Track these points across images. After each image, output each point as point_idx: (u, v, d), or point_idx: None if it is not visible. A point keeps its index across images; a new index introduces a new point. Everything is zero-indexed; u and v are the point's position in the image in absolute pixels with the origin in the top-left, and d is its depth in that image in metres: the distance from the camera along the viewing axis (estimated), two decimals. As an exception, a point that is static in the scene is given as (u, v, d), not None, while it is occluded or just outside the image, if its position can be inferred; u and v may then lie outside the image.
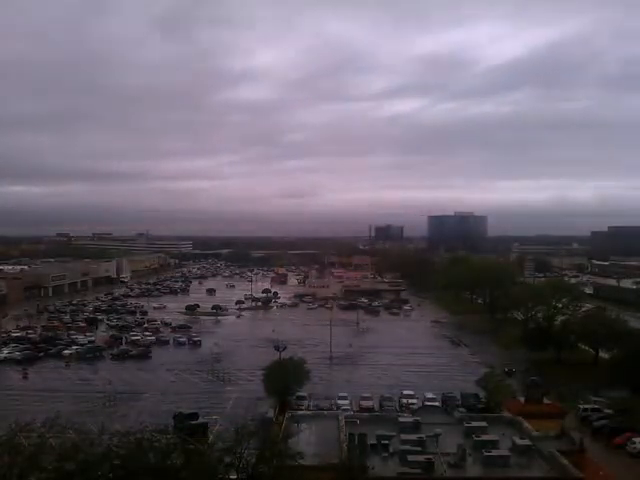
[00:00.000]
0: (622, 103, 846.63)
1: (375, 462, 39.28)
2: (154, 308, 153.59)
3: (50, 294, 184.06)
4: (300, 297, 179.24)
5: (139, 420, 46.88)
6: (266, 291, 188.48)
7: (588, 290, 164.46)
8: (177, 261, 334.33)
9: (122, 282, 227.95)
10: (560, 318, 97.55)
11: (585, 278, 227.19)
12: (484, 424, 46.17)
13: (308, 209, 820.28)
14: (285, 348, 74.46)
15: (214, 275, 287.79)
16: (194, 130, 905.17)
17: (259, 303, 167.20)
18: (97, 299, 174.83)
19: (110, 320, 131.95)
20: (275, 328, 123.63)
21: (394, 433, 43.73)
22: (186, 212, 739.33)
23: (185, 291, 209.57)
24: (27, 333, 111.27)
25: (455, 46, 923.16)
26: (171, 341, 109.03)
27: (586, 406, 63.91)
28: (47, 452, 32.27)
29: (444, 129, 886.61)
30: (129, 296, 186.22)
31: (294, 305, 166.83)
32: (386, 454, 40.67)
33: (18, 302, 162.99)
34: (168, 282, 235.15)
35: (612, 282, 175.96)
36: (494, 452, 40.14)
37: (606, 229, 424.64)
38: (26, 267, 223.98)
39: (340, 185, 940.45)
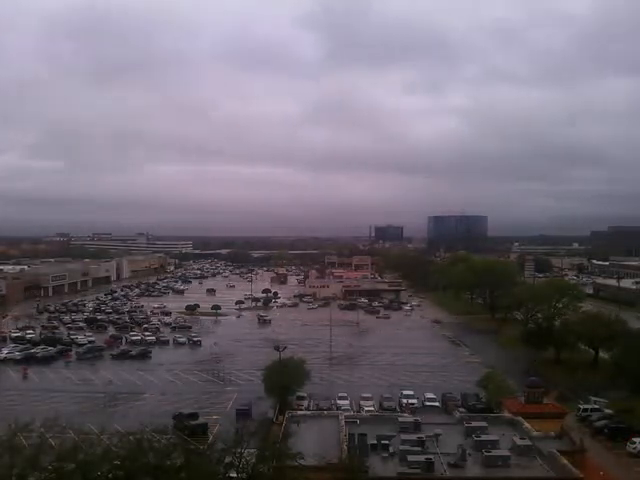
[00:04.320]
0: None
1: (375, 462, 39.22)
2: (154, 308, 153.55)
3: (50, 294, 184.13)
4: (300, 297, 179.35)
5: (139, 420, 46.76)
6: (266, 291, 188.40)
7: (588, 290, 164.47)
8: (177, 261, 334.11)
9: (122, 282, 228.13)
10: (560, 318, 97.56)
11: (585, 278, 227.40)
12: (484, 424, 46.09)
13: (308, 209, 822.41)
14: (285, 348, 74.34)
15: (214, 275, 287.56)
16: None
17: (259, 303, 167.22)
18: (97, 299, 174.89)
19: (110, 320, 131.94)
20: (275, 328, 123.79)
21: (394, 433, 43.67)
22: (186, 212, 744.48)
23: (185, 291, 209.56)
24: (27, 333, 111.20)
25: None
26: (171, 341, 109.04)
27: (586, 406, 63.90)
28: (47, 452, 32.26)
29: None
30: (129, 296, 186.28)
31: (294, 305, 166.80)
32: (386, 454, 40.58)
33: (18, 302, 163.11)
34: (168, 282, 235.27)
35: (612, 282, 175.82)
36: (494, 452, 40.06)
37: (606, 229, 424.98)
38: (26, 267, 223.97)
39: (341, 185, 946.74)
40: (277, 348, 71.80)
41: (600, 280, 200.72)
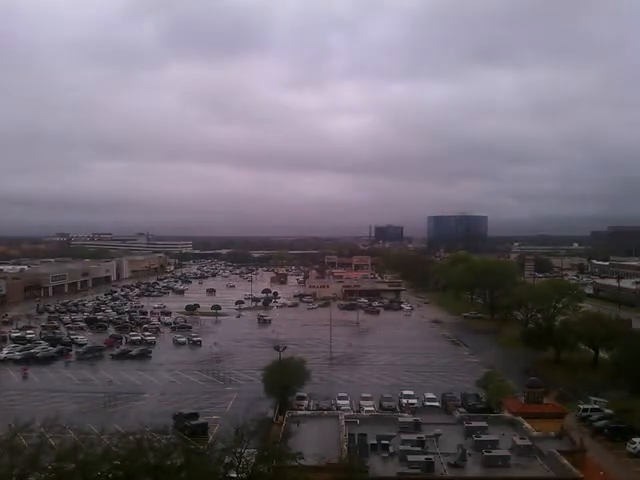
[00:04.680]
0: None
1: (375, 462, 39.21)
2: (154, 308, 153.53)
3: (50, 294, 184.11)
4: (300, 297, 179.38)
5: (139, 420, 46.79)
6: (266, 291, 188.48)
7: (588, 290, 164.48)
8: (177, 261, 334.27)
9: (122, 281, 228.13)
10: (560, 318, 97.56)
11: (585, 278, 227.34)
12: (484, 424, 46.07)
13: (309, 209, 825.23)
14: (285, 348, 74.29)
15: (214, 275, 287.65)
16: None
17: (259, 303, 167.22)
18: (97, 299, 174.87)
19: (110, 320, 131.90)
20: (275, 328, 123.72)
21: (394, 433, 43.65)
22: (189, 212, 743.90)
23: (185, 291, 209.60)
24: (27, 333, 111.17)
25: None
26: (171, 341, 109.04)
27: (586, 406, 63.89)
28: (47, 452, 32.28)
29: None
30: (129, 296, 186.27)
31: (294, 305, 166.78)
32: (386, 454, 40.57)
33: (18, 302, 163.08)
34: (168, 282, 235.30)
35: (612, 282, 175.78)
36: (494, 452, 40.05)
37: (606, 229, 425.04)
38: (26, 267, 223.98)
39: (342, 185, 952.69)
40: (277, 348, 71.72)
41: (600, 280, 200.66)
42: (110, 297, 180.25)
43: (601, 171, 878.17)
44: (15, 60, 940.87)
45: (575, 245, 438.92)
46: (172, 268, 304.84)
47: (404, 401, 67.09)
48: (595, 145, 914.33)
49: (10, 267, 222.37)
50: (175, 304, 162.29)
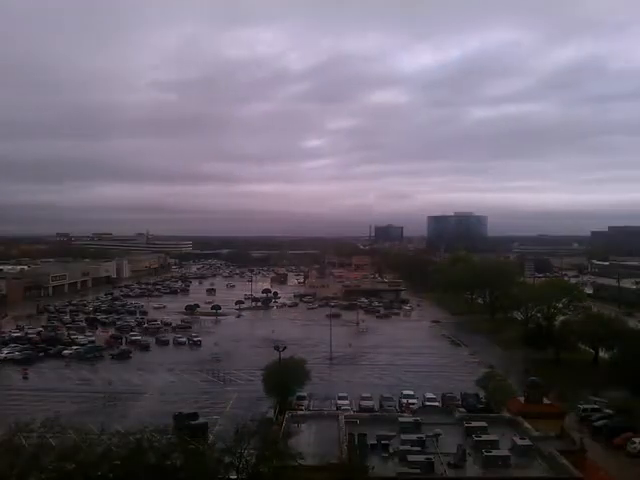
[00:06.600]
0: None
1: (375, 462, 39.16)
2: (154, 308, 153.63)
3: (50, 294, 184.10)
4: (300, 297, 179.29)
5: (139, 420, 46.78)
6: (266, 291, 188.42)
7: (588, 290, 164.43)
8: (177, 261, 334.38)
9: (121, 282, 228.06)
10: (560, 318, 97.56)
11: (585, 278, 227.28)
12: (484, 424, 45.98)
13: (309, 209, 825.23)
14: (285, 348, 74.24)
15: (214, 275, 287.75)
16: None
17: (259, 303, 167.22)
18: (97, 299, 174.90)
19: (110, 320, 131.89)
20: (275, 328, 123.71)
21: (394, 433, 43.62)
22: (187, 212, 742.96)
23: (185, 291, 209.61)
24: (27, 333, 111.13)
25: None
26: (171, 341, 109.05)
27: (586, 406, 63.89)
28: (47, 452, 32.28)
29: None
30: (129, 296, 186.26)
31: (294, 305, 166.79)
32: (386, 454, 40.53)
33: (18, 302, 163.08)
34: (168, 282, 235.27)
35: (612, 282, 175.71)
36: (494, 452, 39.98)
37: (606, 229, 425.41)
38: (26, 267, 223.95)
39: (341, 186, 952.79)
40: (277, 348, 71.66)
41: (600, 280, 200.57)
42: (110, 297, 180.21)
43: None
44: None
45: (575, 245, 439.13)
46: (172, 268, 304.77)
47: (404, 401, 67.11)
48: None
49: (10, 267, 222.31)
50: (175, 304, 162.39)
